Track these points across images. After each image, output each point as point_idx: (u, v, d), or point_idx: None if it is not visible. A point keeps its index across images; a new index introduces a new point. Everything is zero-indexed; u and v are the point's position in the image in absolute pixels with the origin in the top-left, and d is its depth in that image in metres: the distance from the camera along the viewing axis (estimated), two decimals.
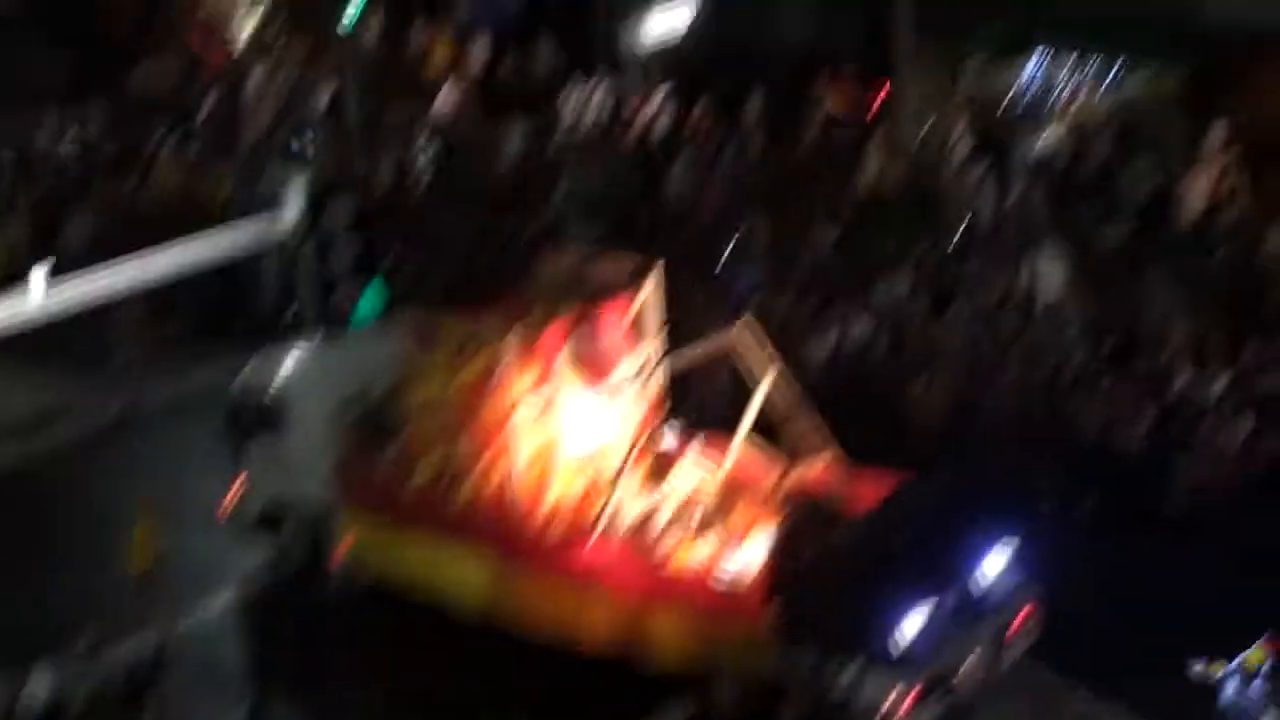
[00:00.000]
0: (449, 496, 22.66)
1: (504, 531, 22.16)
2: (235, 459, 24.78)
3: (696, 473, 22.65)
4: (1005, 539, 21.11)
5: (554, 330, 22.36)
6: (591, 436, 22.73)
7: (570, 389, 22.47)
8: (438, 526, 22.66)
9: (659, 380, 23.46)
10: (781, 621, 20.03)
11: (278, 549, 24.59)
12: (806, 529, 20.60)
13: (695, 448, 23.09)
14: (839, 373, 26.92)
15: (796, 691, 19.98)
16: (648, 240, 32.08)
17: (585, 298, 23.07)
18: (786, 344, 27.15)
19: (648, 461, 22.38)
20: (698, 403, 24.35)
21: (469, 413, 22.41)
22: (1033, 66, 36.04)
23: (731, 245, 31.15)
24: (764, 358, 22.57)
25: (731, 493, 22.15)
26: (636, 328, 23.31)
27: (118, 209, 34.78)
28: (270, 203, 18.07)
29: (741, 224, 31.86)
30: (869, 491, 21.49)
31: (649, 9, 36.64)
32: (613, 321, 22.98)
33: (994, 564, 20.88)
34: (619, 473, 21.90)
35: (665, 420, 23.48)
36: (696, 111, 37.25)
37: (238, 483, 24.70)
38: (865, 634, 19.55)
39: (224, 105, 40.29)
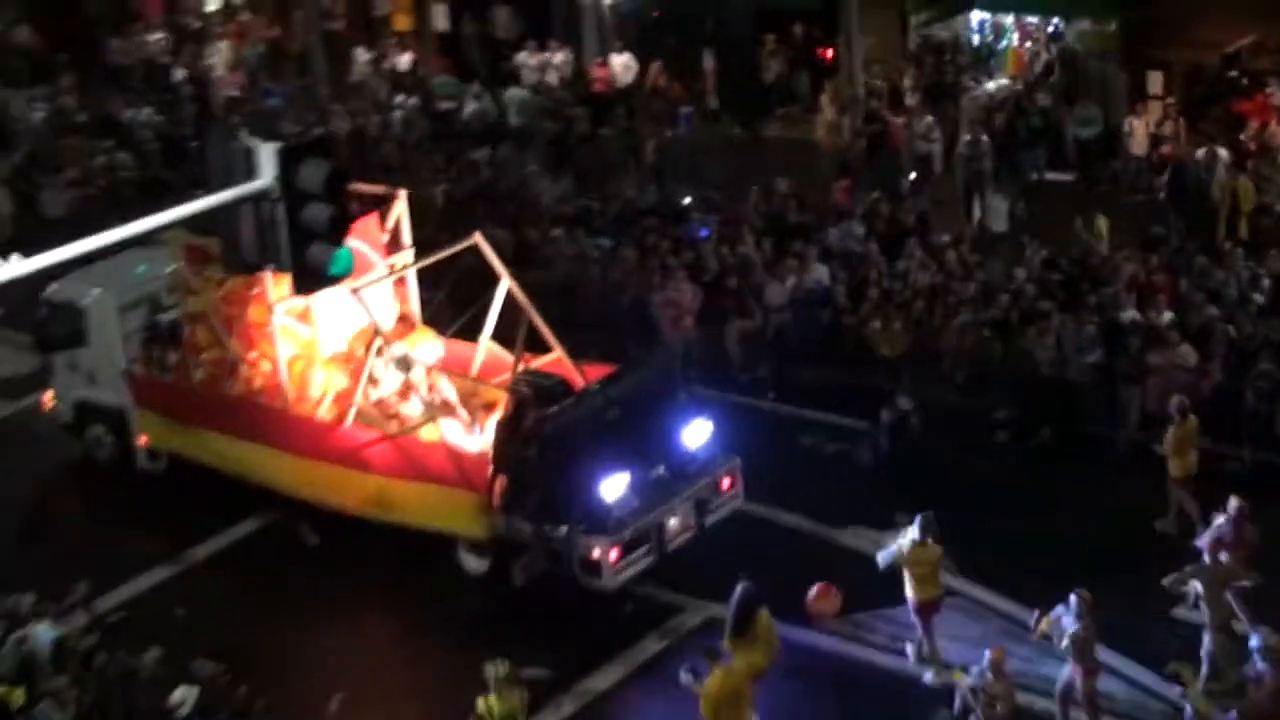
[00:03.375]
0: (224, 393, 24.39)
1: (272, 420, 23.83)
2: (45, 370, 26.63)
3: (441, 365, 24.12)
4: (707, 418, 22.89)
5: None
6: (347, 334, 24.14)
7: (326, 294, 23.15)
8: (217, 419, 24.38)
9: (409, 285, 24.91)
10: (506, 490, 21.79)
11: (89, 444, 26.27)
12: (529, 410, 21.96)
13: (441, 344, 24.62)
14: (800, 312, 26.85)
15: (523, 550, 21.71)
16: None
17: None
18: (749, 285, 27.45)
19: (399, 355, 23.41)
20: (445, 306, 25.17)
21: (235, 319, 24.21)
22: (977, 21, 36.11)
23: (692, 197, 31.10)
24: (500, 267, 24.00)
25: (471, 382, 23.85)
26: (390, 242, 24.64)
27: (94, 177, 34.59)
28: (244, 166, 17.85)
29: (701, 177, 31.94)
30: (589, 379, 23.17)
31: None
32: (367, 235, 23.91)
33: (696, 438, 22.64)
34: (369, 364, 23.35)
35: (415, 320, 24.83)
36: (652, 70, 37.25)
37: (49, 391, 26.54)
38: (576, 498, 21.46)
39: (195, 73, 40.20)
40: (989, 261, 27.34)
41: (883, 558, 20.18)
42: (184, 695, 18.19)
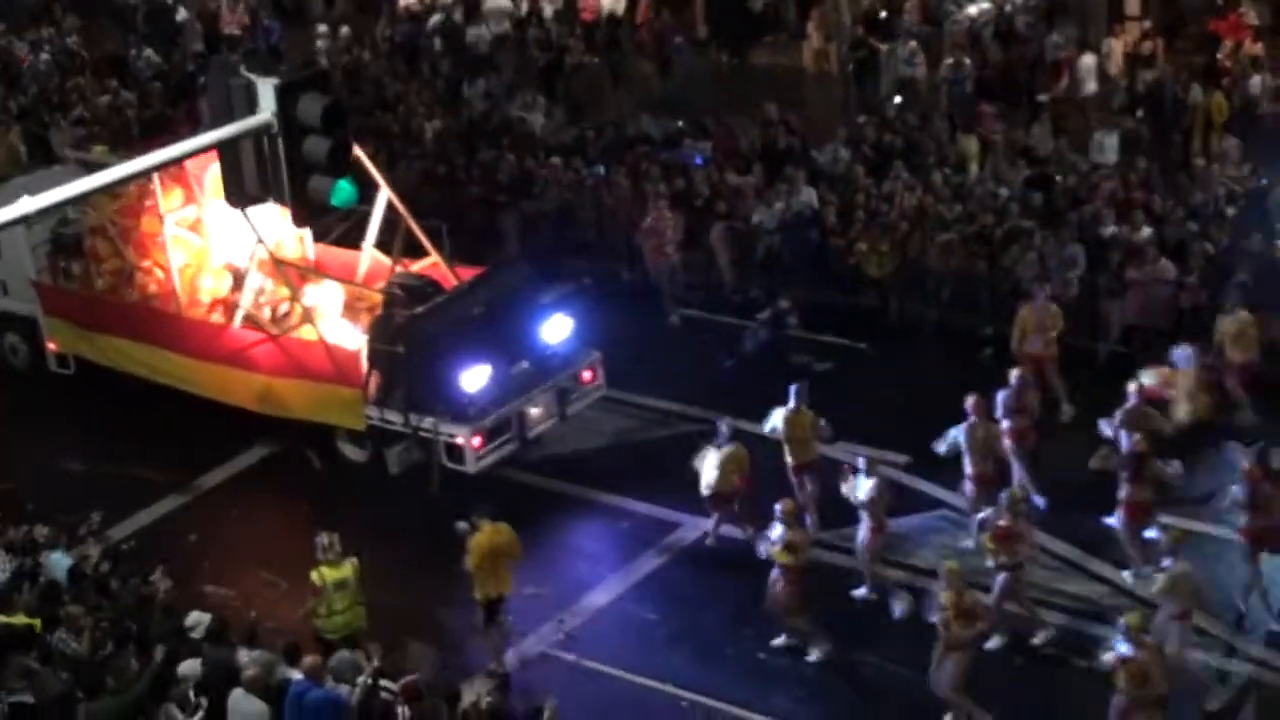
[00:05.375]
0: (123, 299, 25.19)
1: (167, 324, 24.60)
2: None
3: (320, 271, 24.94)
4: (568, 314, 23.63)
5: (198, 159, 22.78)
6: (234, 244, 24.47)
7: (216, 205, 23.77)
8: (118, 324, 25.13)
9: None
10: (379, 384, 22.58)
11: (5, 352, 27.13)
12: (398, 309, 22.85)
13: (323, 251, 25.49)
14: (790, 234, 26.60)
15: (398, 440, 22.60)
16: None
17: None
18: (739, 211, 27.20)
19: (281, 264, 24.02)
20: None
21: (131, 229, 24.99)
22: None
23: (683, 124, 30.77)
24: (378, 177, 24.31)
25: (351, 286, 24.61)
26: None
27: (99, 115, 34.20)
28: (244, 102, 17.63)
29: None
30: (461, 280, 23.97)
31: None
32: None
33: (557, 334, 23.42)
34: (249, 272, 23.93)
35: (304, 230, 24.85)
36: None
37: None
38: (440, 390, 22.18)
39: (197, 12, 39.72)
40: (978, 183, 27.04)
41: (770, 430, 21.24)
42: (198, 619, 18.10)
